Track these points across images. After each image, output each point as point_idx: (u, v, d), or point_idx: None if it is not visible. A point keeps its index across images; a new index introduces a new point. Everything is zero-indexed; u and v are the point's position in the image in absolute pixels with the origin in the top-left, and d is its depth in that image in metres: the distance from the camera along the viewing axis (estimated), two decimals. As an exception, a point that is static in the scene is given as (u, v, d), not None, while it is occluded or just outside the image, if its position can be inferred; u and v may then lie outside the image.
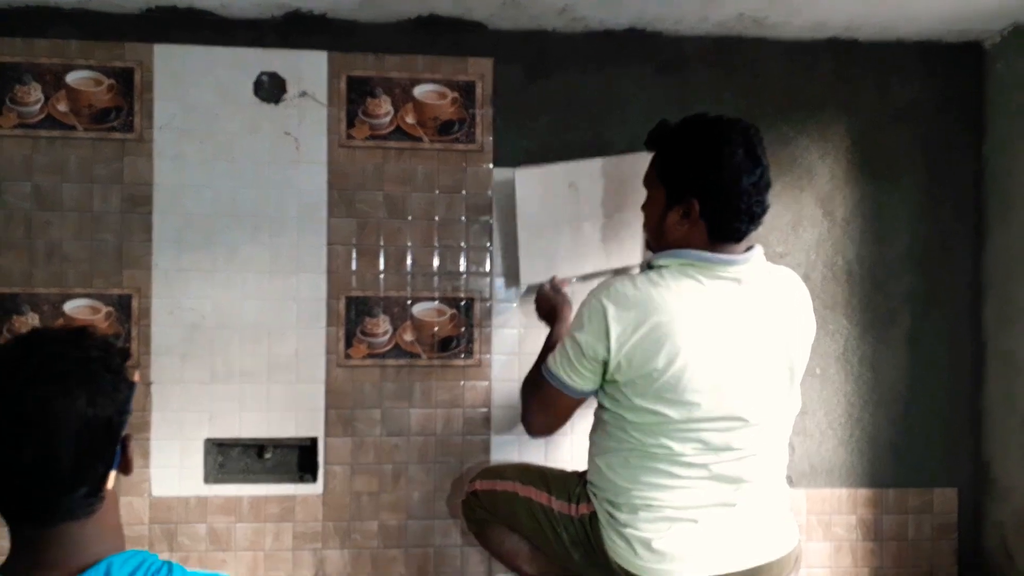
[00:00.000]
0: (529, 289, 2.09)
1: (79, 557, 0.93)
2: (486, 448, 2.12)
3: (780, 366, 1.60)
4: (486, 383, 2.12)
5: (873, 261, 2.23)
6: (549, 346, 1.83)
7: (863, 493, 2.23)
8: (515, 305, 2.13)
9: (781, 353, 1.60)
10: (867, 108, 2.22)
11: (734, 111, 1.58)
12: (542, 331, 2.13)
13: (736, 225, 1.55)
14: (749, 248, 1.61)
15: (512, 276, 2.11)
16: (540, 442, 2.13)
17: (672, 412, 1.54)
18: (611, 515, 1.62)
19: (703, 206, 1.55)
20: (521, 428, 2.10)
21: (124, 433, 0.96)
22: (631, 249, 2.07)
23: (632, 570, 1.58)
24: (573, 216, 2.02)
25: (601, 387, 1.65)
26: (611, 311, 1.53)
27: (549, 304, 1.97)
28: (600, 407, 1.69)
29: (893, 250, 2.24)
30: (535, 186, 1.98)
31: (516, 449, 2.13)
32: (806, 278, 2.18)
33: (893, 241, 2.24)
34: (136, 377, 0.99)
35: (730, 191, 1.53)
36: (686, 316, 1.52)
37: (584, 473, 1.75)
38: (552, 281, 2.02)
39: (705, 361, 1.53)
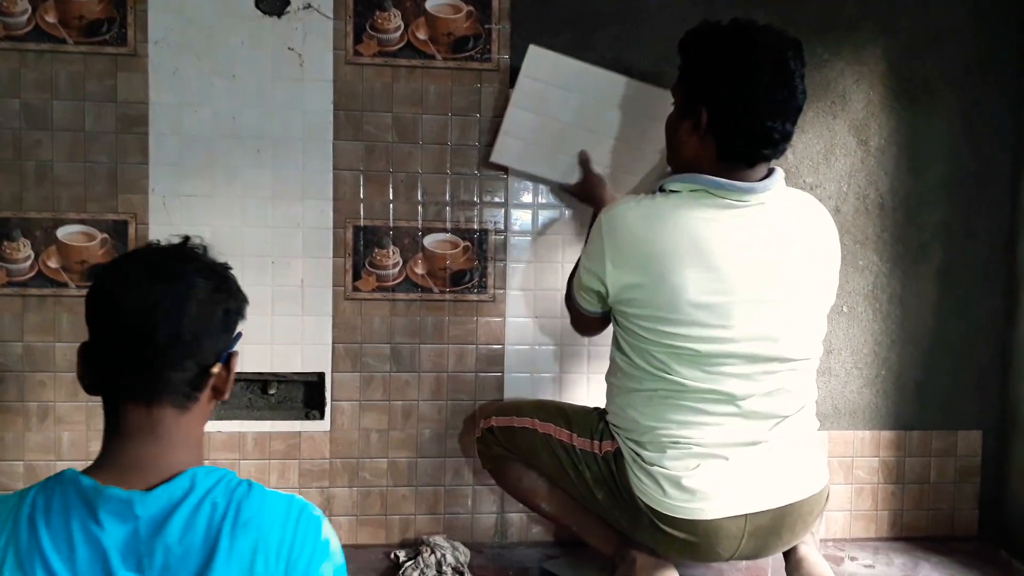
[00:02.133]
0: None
1: (167, 458, 0.94)
2: (499, 386, 2.04)
3: (804, 297, 1.51)
4: (500, 319, 2.03)
5: (907, 192, 2.13)
6: None
7: (887, 435, 2.16)
8: (530, 238, 2.03)
9: (805, 284, 1.50)
10: (905, 30, 2.09)
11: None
12: (559, 267, 2.05)
13: (747, 146, 1.44)
14: (769, 173, 1.51)
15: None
16: (554, 381, 2.06)
17: (686, 347, 1.46)
18: (636, 453, 1.55)
19: (712, 117, 1.44)
20: (535, 366, 2.05)
21: (231, 352, 1.01)
22: (623, 181, 1.96)
23: (660, 508, 1.51)
24: (573, 120, 1.91)
25: (615, 320, 1.58)
26: (607, 243, 1.46)
27: (585, 189, 1.91)
28: (616, 346, 1.62)
29: (928, 181, 2.13)
30: (545, 70, 1.88)
31: (530, 387, 2.05)
32: (836, 211, 2.08)
33: (929, 171, 2.13)
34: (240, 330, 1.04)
35: (744, 104, 1.41)
36: (692, 249, 1.42)
37: (605, 411, 1.68)
38: (582, 158, 1.92)
39: (717, 296, 1.43)
